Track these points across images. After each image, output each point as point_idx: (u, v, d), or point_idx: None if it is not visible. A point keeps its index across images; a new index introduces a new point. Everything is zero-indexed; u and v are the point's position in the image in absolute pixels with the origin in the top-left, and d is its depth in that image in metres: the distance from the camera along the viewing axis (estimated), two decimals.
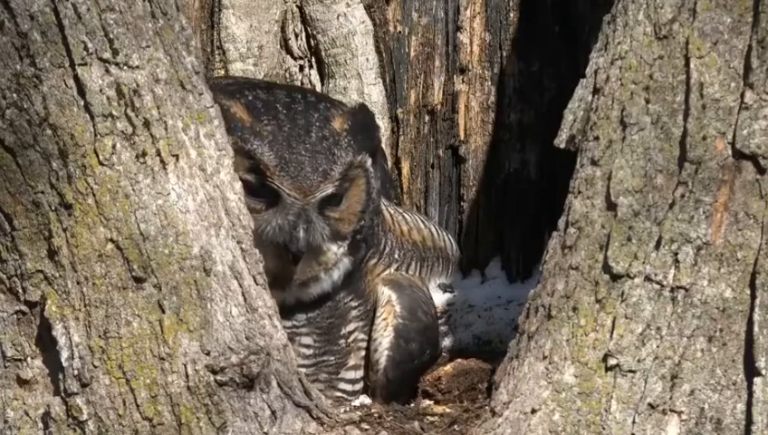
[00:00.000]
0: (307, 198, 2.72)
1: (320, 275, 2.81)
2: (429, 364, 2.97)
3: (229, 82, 2.87)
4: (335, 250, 2.80)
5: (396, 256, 2.93)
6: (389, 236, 2.93)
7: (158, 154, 2.46)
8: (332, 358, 2.86)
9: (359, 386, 2.89)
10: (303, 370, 2.78)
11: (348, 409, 2.74)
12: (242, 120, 2.70)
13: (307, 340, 2.83)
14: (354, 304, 2.86)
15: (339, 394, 2.87)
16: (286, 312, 2.72)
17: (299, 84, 3.36)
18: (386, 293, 2.88)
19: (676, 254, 2.46)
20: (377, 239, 2.89)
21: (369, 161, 2.82)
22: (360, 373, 2.89)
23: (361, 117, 2.84)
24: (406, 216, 3.00)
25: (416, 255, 2.98)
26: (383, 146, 3.30)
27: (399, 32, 3.35)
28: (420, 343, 2.88)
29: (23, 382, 2.49)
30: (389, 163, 3.31)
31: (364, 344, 2.88)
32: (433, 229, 3.04)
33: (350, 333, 2.87)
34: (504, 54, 3.32)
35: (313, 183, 2.71)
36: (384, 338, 2.86)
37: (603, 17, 2.53)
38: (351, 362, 2.88)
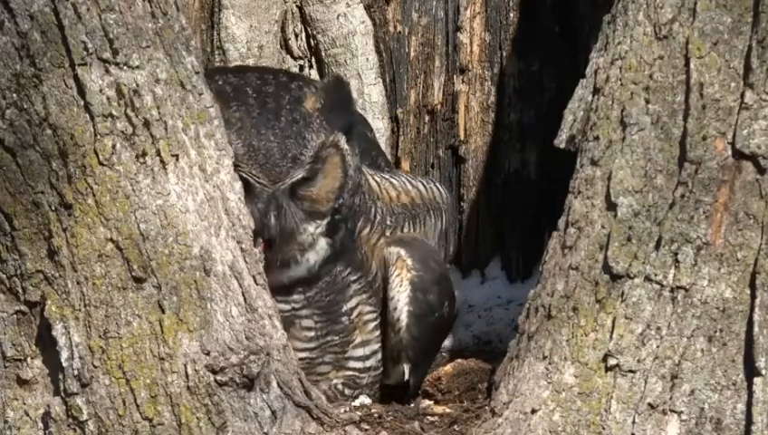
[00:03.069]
0: (276, 184, 2.69)
1: (296, 257, 2.79)
2: (449, 322, 2.93)
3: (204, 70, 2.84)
4: (312, 230, 2.77)
5: (388, 223, 2.90)
6: (379, 205, 2.88)
7: (158, 154, 2.46)
8: (336, 338, 2.84)
9: (370, 362, 2.87)
10: (307, 353, 2.78)
11: (348, 409, 2.74)
12: None
13: (308, 322, 2.81)
14: (353, 277, 2.84)
15: (350, 373, 2.85)
16: (283, 294, 2.72)
17: None
18: (394, 251, 2.85)
19: (676, 254, 2.46)
20: (366, 208, 2.86)
21: (343, 139, 2.78)
22: (370, 349, 2.87)
23: (335, 93, 2.79)
24: (393, 180, 2.95)
25: (407, 215, 2.95)
26: (383, 144, 3.30)
27: (399, 32, 3.35)
28: (438, 293, 2.85)
29: (23, 382, 2.49)
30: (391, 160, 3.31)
31: (371, 317, 2.86)
32: (420, 186, 2.98)
33: (353, 309, 2.85)
34: (504, 54, 3.32)
35: (282, 169, 2.69)
36: (401, 294, 2.83)
37: (603, 17, 2.53)
38: (358, 339, 2.86)
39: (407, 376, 2.86)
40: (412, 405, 2.80)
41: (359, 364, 2.86)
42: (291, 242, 2.76)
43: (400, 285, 2.84)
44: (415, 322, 2.83)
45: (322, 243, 2.79)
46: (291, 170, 2.70)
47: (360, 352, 2.86)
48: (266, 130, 2.69)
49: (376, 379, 2.89)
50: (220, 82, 2.72)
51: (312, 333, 2.81)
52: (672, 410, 2.46)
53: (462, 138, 3.35)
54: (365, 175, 2.86)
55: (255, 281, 2.51)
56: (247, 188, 2.65)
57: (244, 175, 2.66)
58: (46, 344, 2.47)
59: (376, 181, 2.90)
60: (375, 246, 2.86)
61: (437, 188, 3.02)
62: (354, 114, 2.88)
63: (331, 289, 2.82)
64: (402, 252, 2.85)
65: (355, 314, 2.84)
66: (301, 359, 2.59)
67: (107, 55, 2.43)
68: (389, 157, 3.30)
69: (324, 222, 2.78)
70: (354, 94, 3.28)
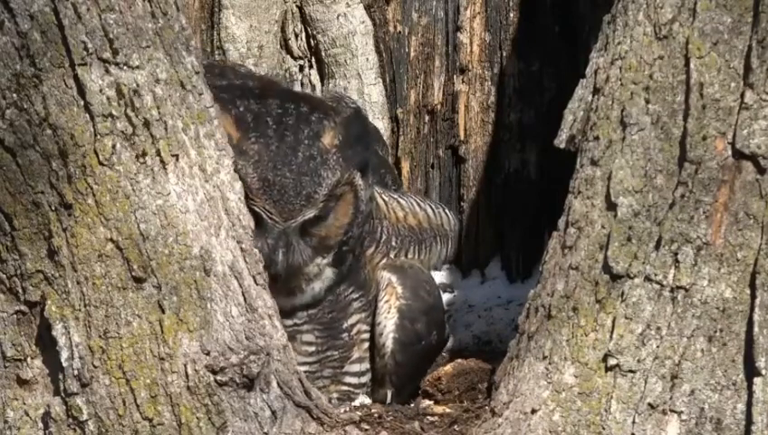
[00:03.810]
0: (288, 222, 2.68)
1: (302, 286, 2.79)
2: (437, 349, 2.94)
3: (224, 85, 2.78)
4: (318, 262, 2.77)
5: (393, 244, 2.90)
6: (385, 224, 2.88)
7: (158, 154, 2.46)
8: (336, 353, 2.84)
9: (365, 379, 2.87)
10: (307, 368, 2.78)
11: (348, 409, 2.74)
12: (230, 136, 2.62)
13: (309, 337, 2.81)
14: (355, 295, 2.84)
15: (345, 388, 2.86)
16: (287, 310, 2.71)
17: (299, 85, 3.36)
18: (386, 276, 2.85)
19: (676, 254, 2.46)
20: (372, 228, 2.86)
21: (359, 176, 2.77)
22: (365, 365, 2.87)
23: (354, 128, 2.77)
24: (401, 201, 2.96)
25: (413, 239, 2.94)
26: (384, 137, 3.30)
27: (399, 32, 3.35)
28: (426, 323, 2.85)
29: (23, 382, 2.49)
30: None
31: (367, 335, 2.86)
32: (429, 209, 2.99)
33: (353, 326, 2.84)
34: (504, 54, 3.32)
35: (295, 207, 2.68)
36: (388, 320, 2.83)
37: (603, 17, 2.53)
38: (356, 355, 2.86)
39: (389, 399, 2.86)
40: (412, 405, 2.80)
41: (354, 380, 2.86)
42: (297, 276, 2.76)
43: (388, 312, 2.83)
44: (400, 349, 2.83)
45: (328, 272, 2.79)
46: (304, 208, 2.69)
47: (356, 367, 2.86)
48: (283, 166, 2.68)
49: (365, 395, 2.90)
50: (241, 109, 2.70)
51: (312, 348, 2.82)
52: (672, 410, 2.46)
53: (462, 138, 3.35)
54: (373, 195, 2.86)
55: (255, 281, 2.51)
56: (258, 222, 2.64)
57: (256, 209, 2.65)
58: (46, 344, 2.47)
59: (383, 200, 2.90)
60: (377, 266, 2.86)
61: (446, 214, 3.02)
62: (370, 150, 2.85)
63: (334, 307, 2.82)
64: (393, 278, 2.85)
65: (355, 330, 2.85)
66: None
67: (107, 55, 2.43)
68: (389, 157, 3.30)
69: (331, 253, 2.78)
70: (354, 95, 3.29)
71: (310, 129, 2.71)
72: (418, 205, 2.98)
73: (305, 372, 2.74)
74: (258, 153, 2.67)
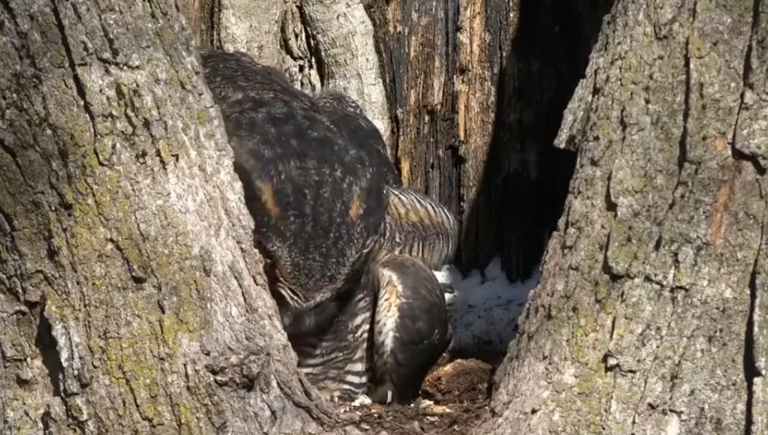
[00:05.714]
0: (307, 302, 2.69)
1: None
2: (441, 348, 2.93)
3: (243, 104, 2.75)
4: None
5: (397, 240, 2.89)
6: (388, 220, 2.87)
7: (158, 154, 2.46)
8: (341, 354, 2.84)
9: (365, 378, 2.86)
10: (311, 369, 2.78)
11: (348, 409, 2.74)
12: (269, 214, 2.63)
13: (313, 340, 2.81)
14: (360, 295, 2.84)
15: (347, 387, 2.85)
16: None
17: (299, 85, 3.36)
18: (386, 274, 2.84)
19: (676, 254, 2.46)
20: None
21: (374, 239, 2.76)
22: (366, 365, 2.86)
23: (376, 186, 2.74)
24: (402, 197, 2.95)
25: (417, 235, 2.94)
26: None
27: (399, 32, 3.35)
28: (428, 321, 2.83)
29: (23, 382, 2.49)
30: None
31: (369, 335, 2.85)
32: (429, 207, 2.98)
33: (358, 326, 2.84)
34: (504, 54, 3.32)
35: (317, 288, 2.69)
36: (388, 319, 2.81)
37: (603, 17, 2.53)
38: (357, 355, 2.86)
39: (389, 399, 2.85)
40: (412, 405, 2.80)
41: (356, 379, 2.86)
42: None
43: (388, 310, 2.82)
44: (401, 348, 2.82)
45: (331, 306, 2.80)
46: (323, 288, 2.69)
47: (358, 366, 2.86)
48: (314, 250, 2.67)
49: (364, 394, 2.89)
50: (283, 177, 2.66)
51: (317, 351, 2.81)
52: (672, 410, 2.46)
53: (462, 138, 3.35)
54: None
55: (255, 281, 2.51)
56: (280, 301, 2.63)
57: (281, 291, 2.66)
58: (46, 344, 2.47)
59: None
60: (379, 263, 2.85)
61: (446, 214, 3.02)
62: (385, 208, 2.83)
63: (340, 310, 2.81)
64: (394, 277, 2.83)
65: (359, 332, 2.84)
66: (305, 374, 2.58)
67: (107, 55, 2.43)
68: (390, 157, 3.30)
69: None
70: (354, 95, 3.29)
71: (342, 201, 2.69)
72: (419, 202, 2.97)
73: (310, 374, 2.74)
74: (294, 234, 2.65)
